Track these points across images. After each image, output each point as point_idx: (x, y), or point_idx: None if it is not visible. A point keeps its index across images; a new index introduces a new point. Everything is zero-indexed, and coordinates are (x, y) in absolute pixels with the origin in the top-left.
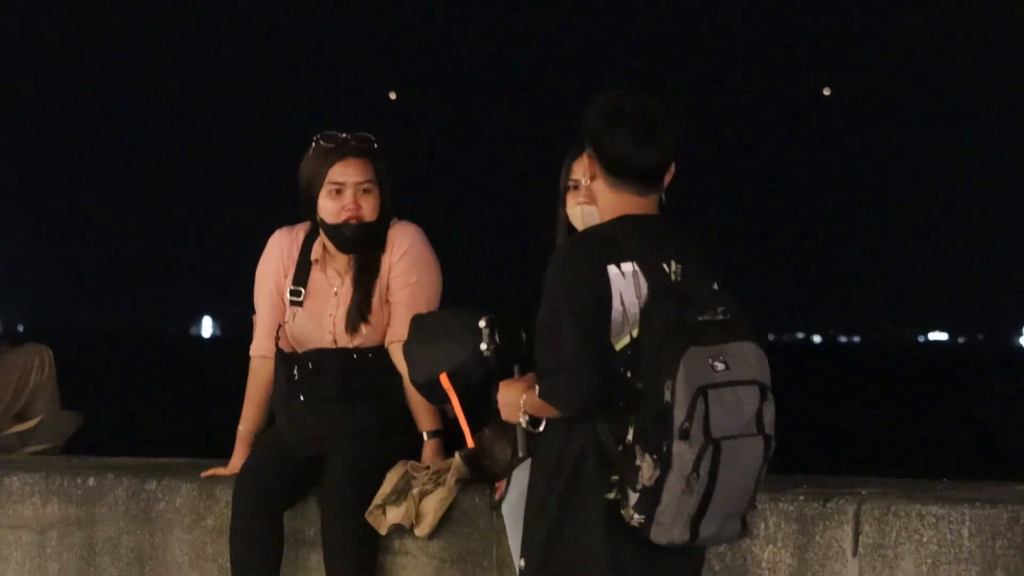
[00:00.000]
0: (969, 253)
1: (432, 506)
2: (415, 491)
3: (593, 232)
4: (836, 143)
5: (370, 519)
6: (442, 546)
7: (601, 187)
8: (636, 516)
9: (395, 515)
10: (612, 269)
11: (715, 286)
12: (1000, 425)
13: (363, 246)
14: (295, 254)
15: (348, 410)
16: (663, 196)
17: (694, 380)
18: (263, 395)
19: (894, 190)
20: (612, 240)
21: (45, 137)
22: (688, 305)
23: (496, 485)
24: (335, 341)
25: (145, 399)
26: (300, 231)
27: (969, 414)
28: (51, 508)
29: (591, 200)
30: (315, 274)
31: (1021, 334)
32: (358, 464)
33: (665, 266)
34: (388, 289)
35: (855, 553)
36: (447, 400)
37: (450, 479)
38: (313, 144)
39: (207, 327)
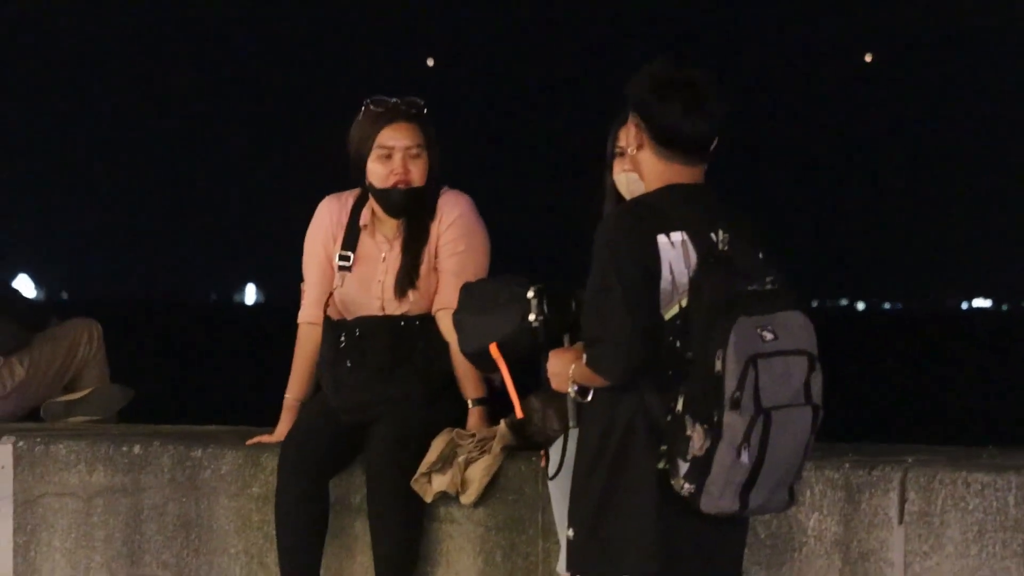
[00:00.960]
0: (1014, 220)
1: (478, 473)
2: (461, 459)
3: (642, 201)
4: (880, 109)
5: (416, 487)
6: (487, 513)
7: (648, 156)
8: (686, 486)
9: (441, 483)
10: (662, 238)
11: (760, 255)
12: None
13: (412, 211)
14: (344, 220)
15: (394, 377)
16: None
17: (744, 350)
18: (310, 363)
19: (938, 158)
20: (660, 209)
21: (90, 106)
22: (736, 275)
23: (541, 453)
24: (383, 307)
25: (190, 367)
26: (349, 197)
27: (1014, 381)
28: (97, 476)
29: (635, 169)
30: (364, 239)
31: None
32: (404, 431)
33: (713, 235)
34: (436, 257)
35: (901, 521)
36: (496, 369)
37: (496, 447)
38: (363, 108)
39: (251, 295)
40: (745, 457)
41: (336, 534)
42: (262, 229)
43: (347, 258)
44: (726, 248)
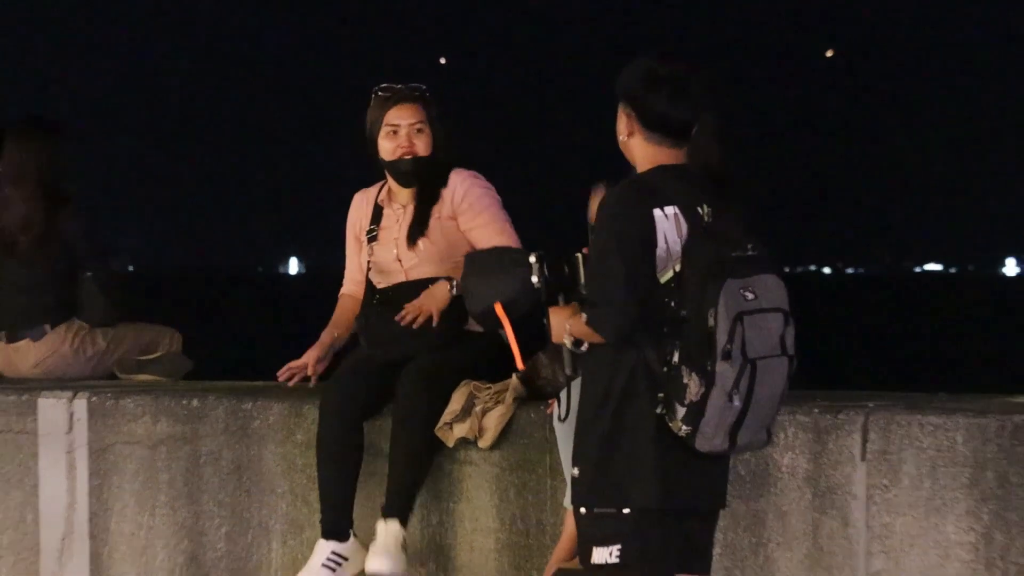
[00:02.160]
0: (961, 192)
1: (493, 421)
2: (478, 408)
3: (639, 179)
4: (843, 96)
5: (439, 434)
6: (502, 455)
7: (638, 142)
8: (684, 427)
9: (461, 430)
10: (657, 212)
11: (740, 226)
12: (986, 345)
13: (420, 178)
14: (371, 205)
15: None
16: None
17: (732, 308)
18: (346, 319)
19: (894, 139)
20: (655, 186)
21: (145, 93)
22: (722, 243)
23: (549, 402)
24: (402, 264)
25: (240, 330)
26: (374, 188)
27: (960, 335)
28: (160, 426)
29: (627, 153)
30: (385, 213)
31: (1004, 265)
32: (428, 373)
33: (699, 208)
34: (456, 220)
35: (863, 458)
36: (501, 327)
37: (509, 397)
38: (373, 95)
39: (294, 266)
40: (736, 401)
41: (367, 476)
42: (304, 209)
43: (373, 230)
44: (710, 220)
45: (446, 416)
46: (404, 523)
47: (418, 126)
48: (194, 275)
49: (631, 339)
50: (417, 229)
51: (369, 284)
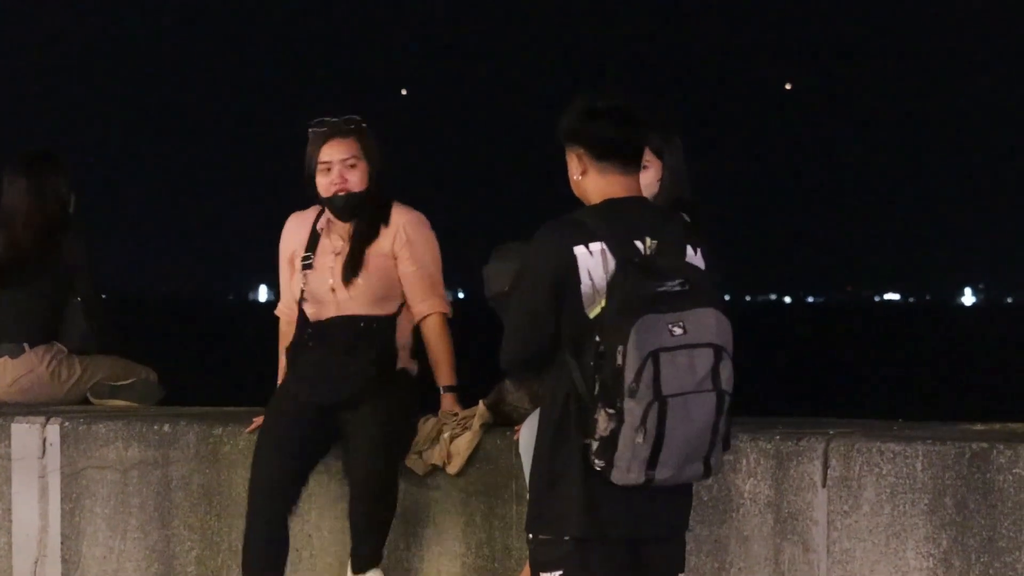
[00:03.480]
0: (918, 223)
1: (461, 447)
2: (446, 435)
3: (566, 218)
4: (804, 130)
5: (409, 463)
6: (468, 481)
7: (591, 178)
8: (597, 461)
9: (430, 456)
10: (579, 249)
11: (692, 256)
12: (943, 373)
13: (357, 213)
14: (306, 230)
15: (350, 360)
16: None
17: (644, 346)
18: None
19: (850, 171)
20: (583, 224)
21: (124, 118)
22: (650, 277)
23: (515, 428)
24: (333, 289)
25: (212, 356)
26: (311, 212)
27: (919, 363)
28: (132, 451)
29: (581, 195)
30: (322, 241)
31: (963, 294)
32: (378, 444)
33: (639, 243)
34: (396, 260)
35: (824, 484)
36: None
37: (476, 423)
38: (309, 132)
39: (263, 294)
40: (642, 437)
41: (338, 499)
42: (274, 236)
43: (308, 258)
44: (652, 252)
45: (414, 447)
46: (378, 563)
47: (351, 161)
48: (166, 302)
49: (519, 375)
50: (353, 266)
51: (302, 314)
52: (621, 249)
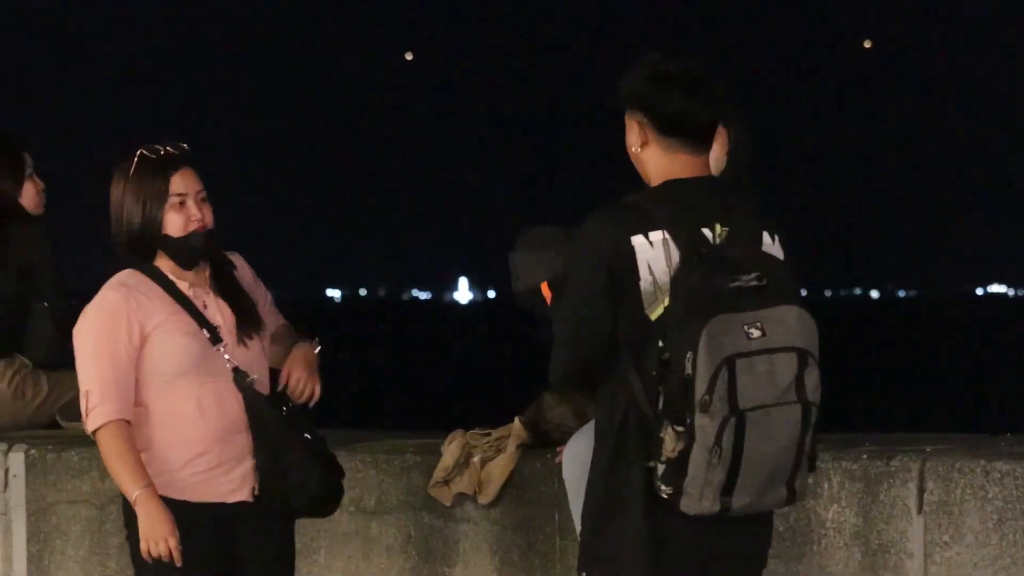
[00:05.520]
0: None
1: (495, 473)
2: (476, 459)
3: (623, 202)
4: (890, 98)
5: (433, 492)
6: (504, 512)
7: (653, 152)
8: (664, 488)
9: (459, 484)
10: (638, 239)
11: (769, 244)
12: None
13: (211, 254)
14: (156, 296)
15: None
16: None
17: (718, 351)
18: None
19: (949, 147)
20: (642, 209)
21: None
22: (721, 271)
23: (557, 449)
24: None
25: None
26: (133, 276)
27: None
28: (110, 482)
29: (640, 168)
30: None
31: None
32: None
33: (707, 231)
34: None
35: (920, 511)
36: (546, 306)
37: (511, 445)
38: (137, 159)
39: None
40: (715, 459)
41: (350, 535)
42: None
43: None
44: (722, 241)
45: (439, 473)
46: None
47: (203, 194)
48: None
49: (625, 380)
50: (249, 319)
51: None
52: (687, 239)
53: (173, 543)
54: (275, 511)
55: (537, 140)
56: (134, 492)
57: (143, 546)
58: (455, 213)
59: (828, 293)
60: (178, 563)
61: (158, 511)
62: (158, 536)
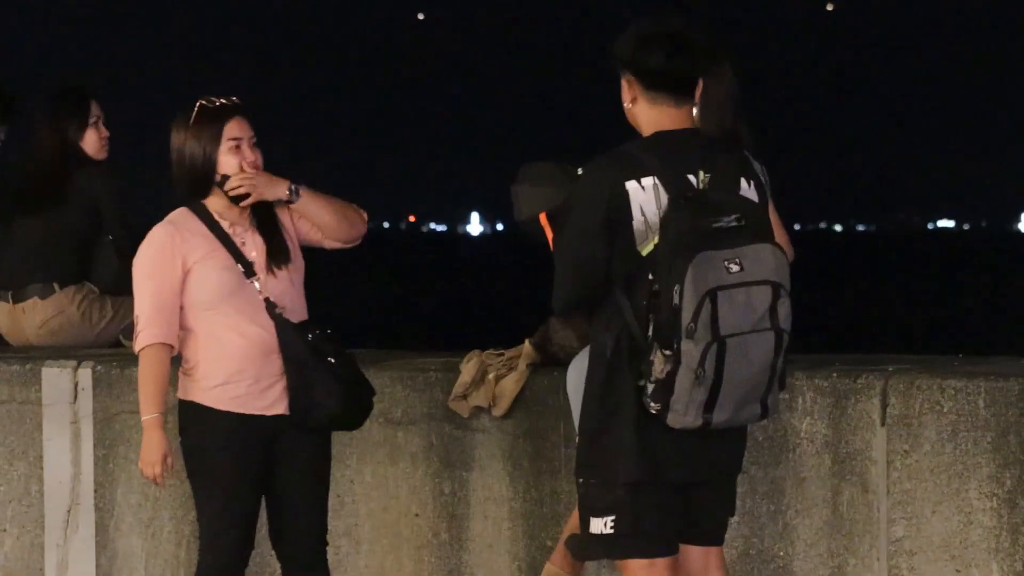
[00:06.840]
0: (972, 147)
1: (508, 388)
2: (491, 375)
3: (619, 151)
4: (851, 49)
5: (453, 406)
6: (515, 423)
7: (642, 107)
8: (652, 404)
9: (476, 398)
10: (631, 184)
11: (745, 188)
12: (1004, 304)
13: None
14: (203, 234)
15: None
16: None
17: (702, 284)
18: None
19: (903, 94)
20: (634, 157)
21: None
22: (705, 213)
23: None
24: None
25: None
26: (187, 217)
27: (977, 295)
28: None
29: (633, 122)
30: (236, 234)
31: (1020, 220)
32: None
33: (692, 176)
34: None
35: (883, 423)
36: (544, 237)
37: (522, 364)
38: (196, 108)
39: None
40: (703, 379)
41: (379, 444)
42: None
43: (248, 264)
44: (705, 186)
45: (458, 388)
46: None
47: (254, 140)
48: None
49: (569, 314)
50: (279, 251)
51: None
52: (674, 184)
53: (159, 470)
54: (309, 424)
55: (543, 88)
56: (145, 415)
57: (140, 464)
58: (467, 154)
59: (796, 227)
60: (161, 487)
61: (157, 438)
62: (153, 460)
